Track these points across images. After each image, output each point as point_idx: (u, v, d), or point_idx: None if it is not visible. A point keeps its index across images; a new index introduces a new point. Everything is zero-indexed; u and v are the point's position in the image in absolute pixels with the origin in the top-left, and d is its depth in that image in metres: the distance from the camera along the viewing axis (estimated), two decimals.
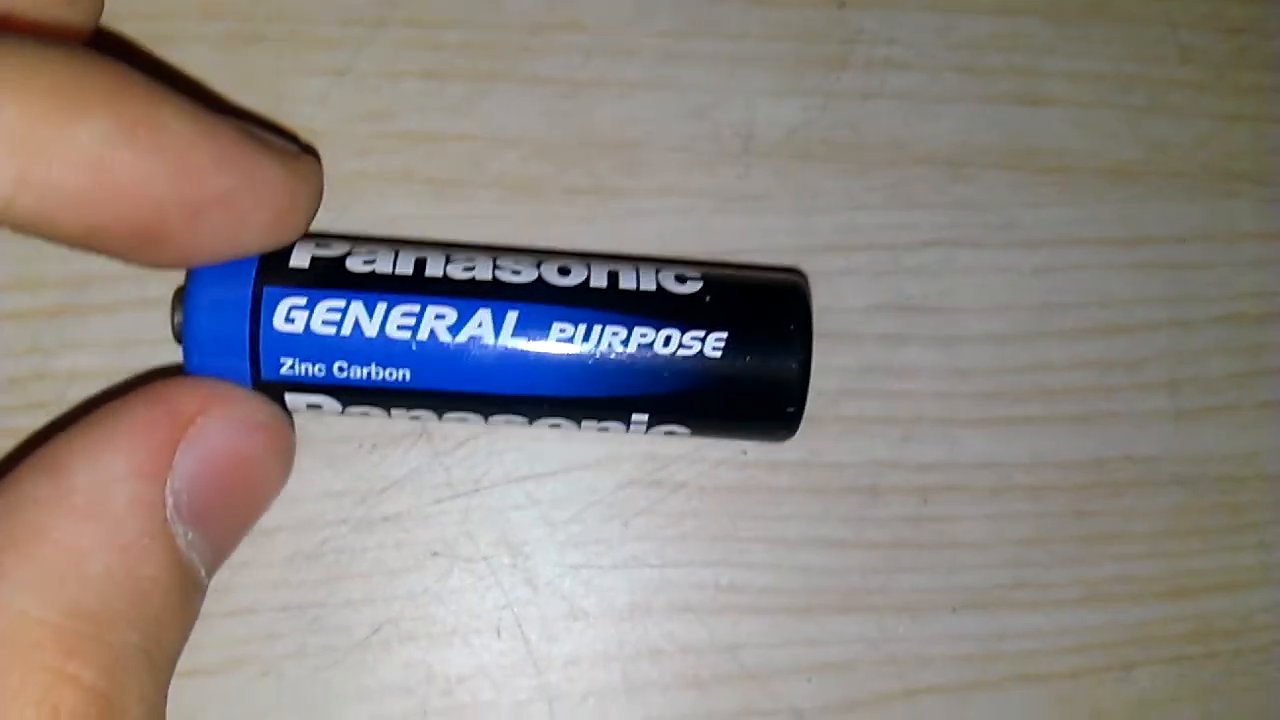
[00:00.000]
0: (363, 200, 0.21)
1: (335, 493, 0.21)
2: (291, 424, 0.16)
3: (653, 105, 0.21)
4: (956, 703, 0.22)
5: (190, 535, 0.14)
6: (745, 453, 0.21)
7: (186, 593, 0.14)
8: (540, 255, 0.18)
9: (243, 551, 0.20)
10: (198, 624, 0.20)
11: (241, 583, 0.21)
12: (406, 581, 0.21)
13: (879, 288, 0.22)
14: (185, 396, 0.15)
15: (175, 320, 0.17)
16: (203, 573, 0.15)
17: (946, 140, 0.22)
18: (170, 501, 0.14)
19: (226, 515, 0.15)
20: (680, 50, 0.22)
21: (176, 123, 0.13)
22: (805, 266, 0.22)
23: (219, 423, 0.15)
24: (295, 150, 0.16)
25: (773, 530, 0.22)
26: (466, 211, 0.21)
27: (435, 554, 0.21)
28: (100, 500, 0.13)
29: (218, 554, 0.15)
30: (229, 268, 0.16)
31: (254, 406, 0.16)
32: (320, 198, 0.16)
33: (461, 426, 0.21)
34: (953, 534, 0.22)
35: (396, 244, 0.18)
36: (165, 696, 0.14)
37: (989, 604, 0.22)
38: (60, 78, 0.12)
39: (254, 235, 0.15)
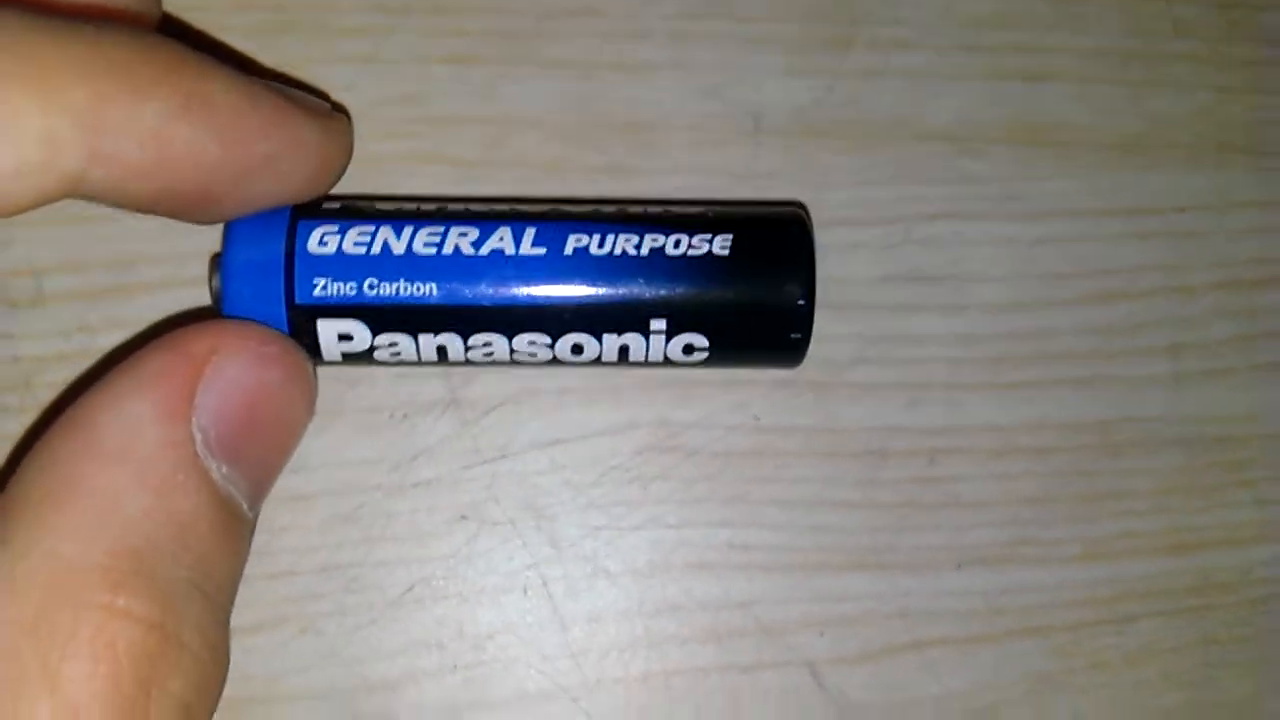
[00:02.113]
0: (390, 180, 0.22)
1: (369, 460, 0.22)
2: (306, 355, 0.17)
3: (666, 86, 0.22)
4: (963, 654, 0.23)
5: (224, 469, 0.14)
6: (758, 418, 0.22)
7: (230, 526, 0.15)
8: (555, 202, 0.19)
9: (283, 517, 0.21)
10: (242, 586, 0.21)
11: (282, 546, 0.22)
12: (437, 544, 0.22)
13: (888, 259, 0.23)
14: (197, 340, 0.15)
15: (213, 285, 0.18)
16: (244, 505, 0.15)
17: (951, 117, 0.23)
18: (199, 438, 0.14)
19: (257, 446, 0.15)
20: (692, 32, 0.22)
21: (225, 95, 0.14)
22: (817, 240, 0.22)
23: (233, 358, 0.15)
24: (328, 108, 0.17)
25: (785, 492, 0.22)
26: (489, 190, 0.22)
27: (464, 517, 0.22)
28: (129, 444, 0.14)
29: (257, 485, 0.15)
30: (264, 214, 0.17)
31: (265, 339, 0.16)
32: (351, 151, 0.17)
33: (488, 393, 0.22)
34: (959, 494, 0.23)
35: (421, 200, 0.19)
36: (226, 628, 0.14)
37: (994, 560, 0.23)
38: (122, 59, 0.13)
39: (294, 189, 0.17)
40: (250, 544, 0.15)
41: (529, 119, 0.22)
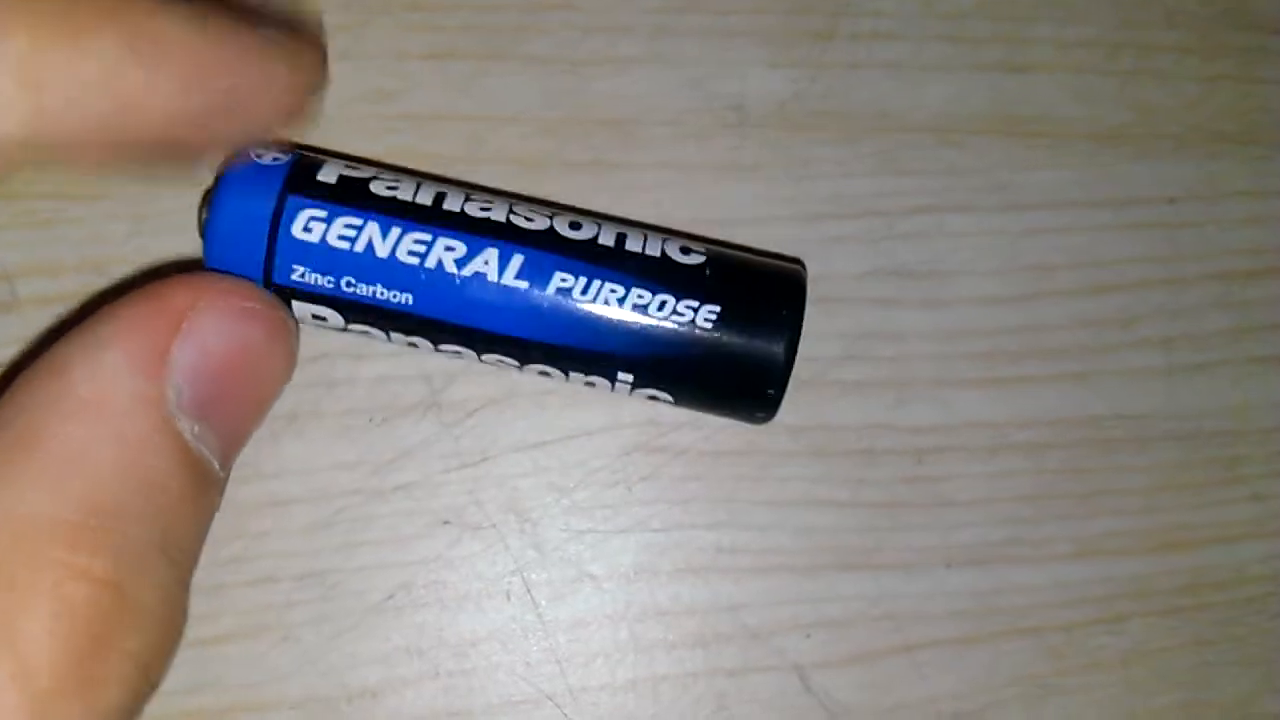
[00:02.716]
0: None
1: (348, 464, 0.21)
2: (290, 312, 0.16)
3: (647, 80, 0.22)
4: (953, 656, 0.22)
5: (197, 428, 0.14)
6: None
7: (199, 486, 0.14)
8: (555, 208, 0.19)
9: (261, 523, 0.21)
10: (219, 593, 0.21)
11: (261, 552, 0.21)
12: (419, 548, 0.22)
13: (872, 254, 0.22)
14: (177, 292, 0.14)
15: (201, 217, 0.17)
16: (215, 465, 0.15)
17: (935, 108, 0.22)
18: (172, 396, 0.14)
19: (232, 405, 0.15)
20: (672, 25, 0.22)
21: (177, 31, 0.13)
22: (799, 235, 0.22)
23: (212, 313, 0.15)
24: (296, 30, 0.16)
25: (772, 493, 0.22)
26: None
27: (446, 522, 0.22)
28: (101, 398, 0.13)
29: (229, 444, 0.15)
30: (258, 174, 0.17)
31: (246, 294, 0.15)
32: (325, 71, 0.16)
33: (469, 395, 0.22)
34: (948, 493, 0.22)
35: (423, 176, 0.18)
36: (187, 589, 0.14)
37: (985, 560, 0.22)
38: (64, 3, 0.12)
39: (264, 124, 0.15)
40: (218, 503, 0.15)
41: (509, 115, 0.22)
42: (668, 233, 0.19)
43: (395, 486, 0.22)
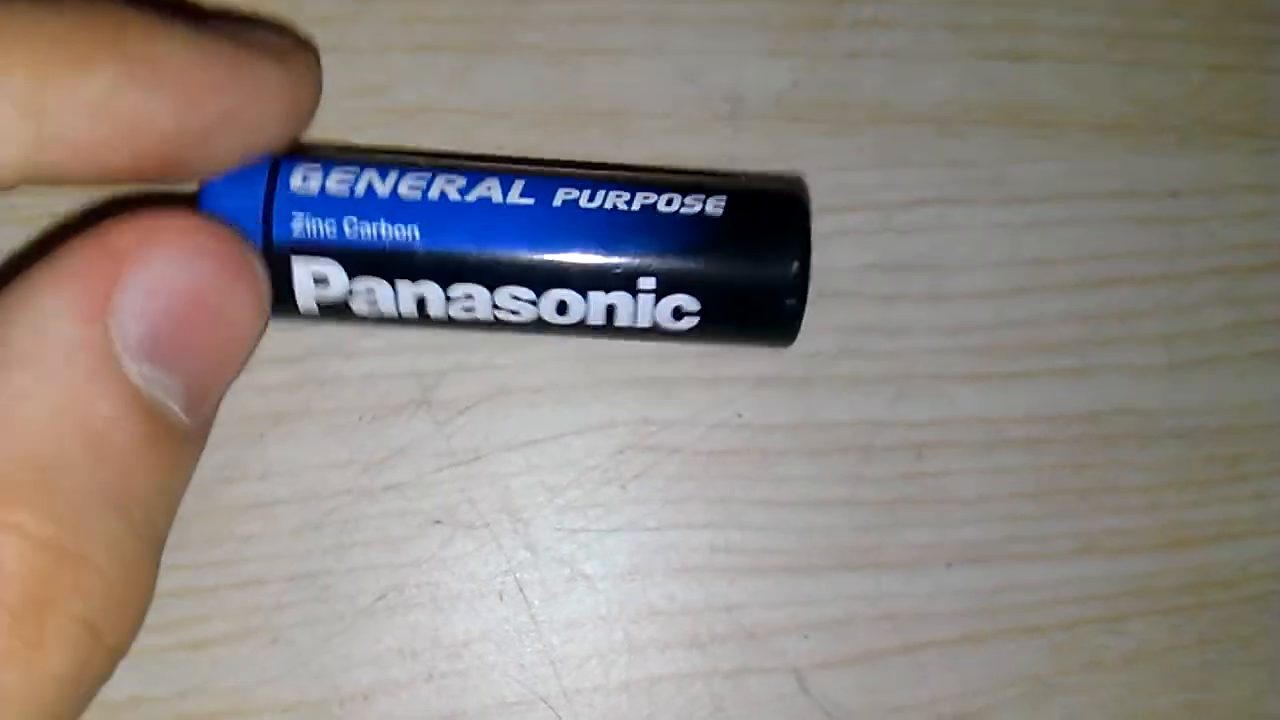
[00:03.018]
0: None
1: (338, 463, 0.21)
2: (250, 247, 0.15)
3: (641, 71, 0.22)
4: (953, 656, 0.22)
5: (149, 371, 0.13)
6: (740, 415, 0.22)
7: (158, 435, 0.13)
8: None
9: (250, 524, 0.21)
10: (208, 595, 0.21)
11: (250, 554, 0.21)
12: (410, 549, 0.21)
13: (871, 247, 0.22)
14: (124, 232, 0.14)
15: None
16: (178, 411, 0.14)
17: (935, 98, 0.22)
18: (117, 340, 0.13)
19: (192, 349, 0.14)
20: (667, 15, 0.22)
21: (175, 54, 0.14)
22: None
23: (163, 253, 0.14)
24: (289, 45, 0.16)
25: (768, 491, 0.22)
26: None
27: (438, 521, 0.21)
28: (38, 342, 0.13)
29: (197, 390, 0.14)
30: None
31: (203, 233, 0.14)
32: (320, 88, 0.16)
33: (461, 393, 0.21)
34: (948, 490, 0.22)
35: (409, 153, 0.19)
36: (150, 545, 0.13)
37: (985, 558, 0.22)
38: (62, 32, 0.13)
39: (262, 141, 0.16)
40: (194, 457, 0.14)
41: (500, 107, 0.21)
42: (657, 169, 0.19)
43: (386, 486, 0.21)
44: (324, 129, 0.21)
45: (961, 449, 0.22)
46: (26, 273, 0.13)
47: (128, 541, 0.13)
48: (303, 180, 0.17)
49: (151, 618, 0.13)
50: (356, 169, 0.17)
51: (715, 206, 0.17)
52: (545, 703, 0.21)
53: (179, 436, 0.14)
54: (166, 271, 0.14)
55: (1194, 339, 0.23)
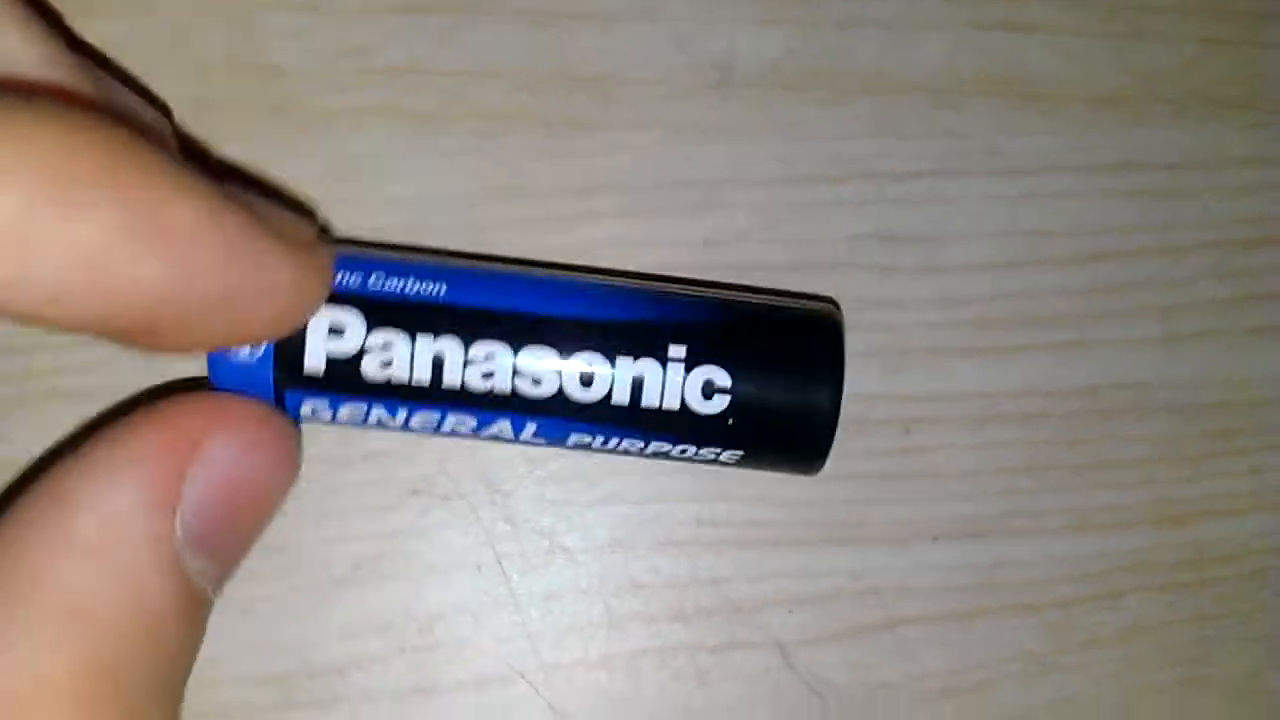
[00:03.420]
0: (342, 136, 0.21)
1: (314, 431, 0.21)
2: (298, 434, 0.16)
3: (633, 37, 0.21)
4: (945, 633, 0.22)
5: (200, 564, 0.14)
6: None
7: (195, 617, 0.14)
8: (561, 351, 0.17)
9: None
10: None
11: None
12: (386, 519, 0.21)
13: (864, 218, 0.22)
14: (191, 419, 0.14)
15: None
16: (210, 593, 0.14)
17: (929, 68, 0.22)
18: (180, 532, 0.13)
19: (234, 536, 0.14)
20: None
21: (182, 214, 0.12)
22: (788, 198, 0.21)
23: (226, 445, 0.14)
24: (307, 234, 0.15)
25: None
26: (446, 146, 0.21)
27: (415, 492, 0.21)
28: (110, 538, 0.13)
29: (224, 574, 0.15)
30: (242, 372, 0.16)
31: (261, 422, 0.15)
32: (330, 287, 0.15)
33: None
34: (938, 464, 0.22)
35: (414, 316, 0.17)
36: (179, 716, 0.14)
37: (978, 533, 0.22)
38: (61, 159, 0.11)
39: (254, 330, 0.14)
40: (206, 625, 0.14)
41: (488, 70, 0.21)
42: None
43: (363, 455, 0.21)
44: (310, 89, 0.20)
45: (953, 423, 0.22)
46: (89, 448, 0.13)
47: None
48: (311, 412, 0.17)
49: None
50: (364, 405, 0.17)
51: (730, 458, 0.18)
52: (523, 677, 0.21)
53: (206, 618, 0.14)
54: (229, 466, 0.14)
55: (1189, 313, 0.22)
